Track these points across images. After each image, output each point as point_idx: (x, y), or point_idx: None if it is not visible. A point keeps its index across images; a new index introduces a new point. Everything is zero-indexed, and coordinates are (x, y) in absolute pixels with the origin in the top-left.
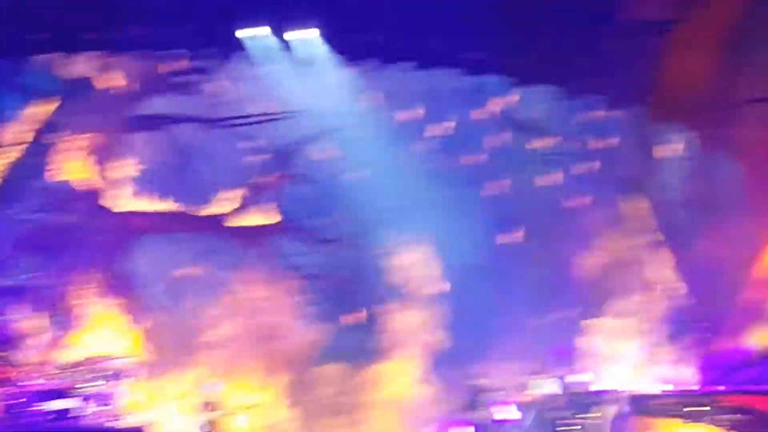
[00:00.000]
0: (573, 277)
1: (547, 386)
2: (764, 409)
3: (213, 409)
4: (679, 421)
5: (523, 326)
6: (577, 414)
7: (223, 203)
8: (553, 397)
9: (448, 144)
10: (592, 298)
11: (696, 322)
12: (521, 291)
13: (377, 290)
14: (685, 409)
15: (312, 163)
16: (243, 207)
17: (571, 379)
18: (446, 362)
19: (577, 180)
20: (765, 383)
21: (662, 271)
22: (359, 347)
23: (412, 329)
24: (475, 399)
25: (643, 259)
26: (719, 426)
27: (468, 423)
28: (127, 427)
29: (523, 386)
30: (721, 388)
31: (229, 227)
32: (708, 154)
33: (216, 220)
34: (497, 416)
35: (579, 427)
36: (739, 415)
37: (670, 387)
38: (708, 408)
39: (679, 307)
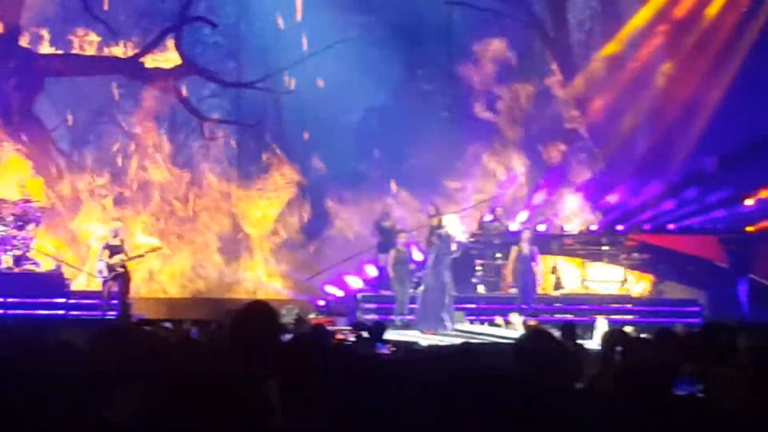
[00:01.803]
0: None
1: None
2: (661, 247)
3: (116, 252)
4: (580, 259)
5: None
6: (483, 255)
7: (127, 46)
8: (457, 240)
9: None
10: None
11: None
12: (430, 132)
13: (281, 132)
14: (585, 249)
15: (216, 7)
16: (147, 50)
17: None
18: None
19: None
20: (662, 223)
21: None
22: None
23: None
24: (385, 238)
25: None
26: (618, 264)
27: (374, 262)
28: (42, 272)
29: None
30: (620, 228)
31: (133, 70)
32: None
33: (120, 63)
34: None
35: (483, 268)
36: (636, 254)
37: (571, 228)
38: (608, 247)
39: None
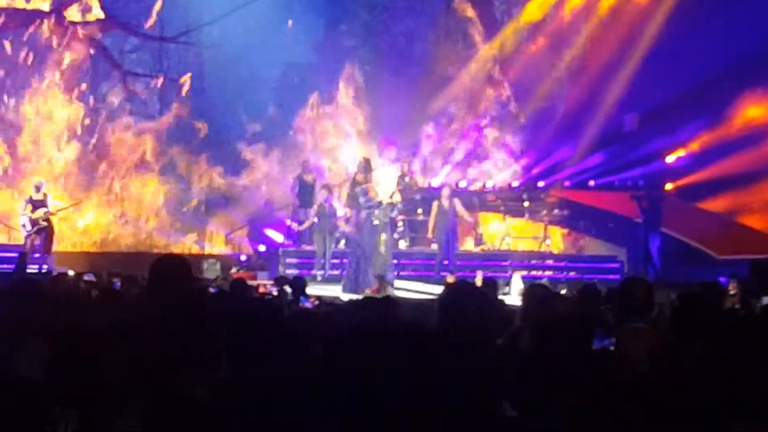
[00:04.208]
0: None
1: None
2: (582, 203)
3: (39, 206)
4: (501, 215)
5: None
6: (404, 211)
7: None
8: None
9: None
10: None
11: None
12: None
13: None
14: (507, 205)
15: None
16: (68, 3)
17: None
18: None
19: None
20: (582, 179)
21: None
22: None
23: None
24: (306, 193)
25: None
26: (539, 220)
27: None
28: None
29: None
30: (541, 184)
31: (50, 23)
32: None
33: (41, 16)
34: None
35: (404, 223)
36: (557, 210)
37: (492, 183)
38: (529, 203)
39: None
